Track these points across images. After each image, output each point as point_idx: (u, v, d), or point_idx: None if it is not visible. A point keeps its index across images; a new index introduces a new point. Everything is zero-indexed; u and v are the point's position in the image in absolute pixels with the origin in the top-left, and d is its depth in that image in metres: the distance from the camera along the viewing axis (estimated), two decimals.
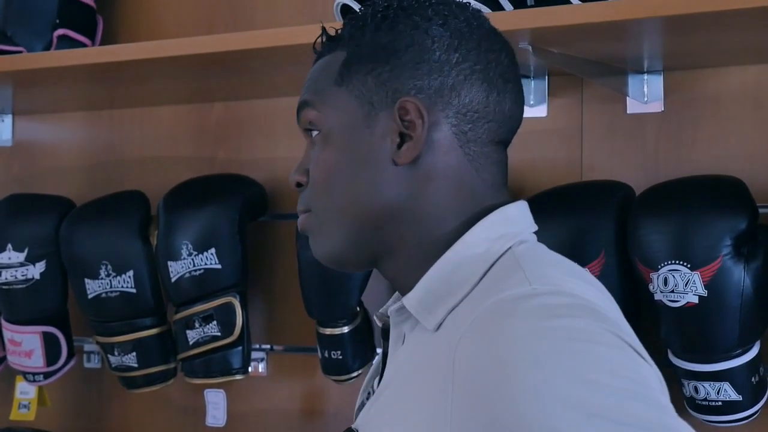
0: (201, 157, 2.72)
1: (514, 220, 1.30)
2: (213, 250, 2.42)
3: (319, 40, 1.38)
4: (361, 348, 2.37)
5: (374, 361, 1.43)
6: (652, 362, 1.19)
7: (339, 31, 1.35)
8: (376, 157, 1.29)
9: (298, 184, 1.36)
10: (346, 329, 2.34)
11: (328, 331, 2.35)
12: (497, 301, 1.18)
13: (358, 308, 2.35)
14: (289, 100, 2.62)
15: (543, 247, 1.32)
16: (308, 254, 2.30)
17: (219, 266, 2.42)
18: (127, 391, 2.60)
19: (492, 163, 1.31)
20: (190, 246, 2.43)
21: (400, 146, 1.28)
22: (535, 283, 1.19)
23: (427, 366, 1.21)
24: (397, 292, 1.37)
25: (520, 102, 1.34)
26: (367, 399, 1.37)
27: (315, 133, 1.34)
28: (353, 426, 1.34)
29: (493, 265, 1.25)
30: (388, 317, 1.35)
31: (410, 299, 1.28)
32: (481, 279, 1.24)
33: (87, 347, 2.79)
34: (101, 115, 2.87)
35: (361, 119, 1.30)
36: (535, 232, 1.34)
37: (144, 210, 2.57)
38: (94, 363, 2.79)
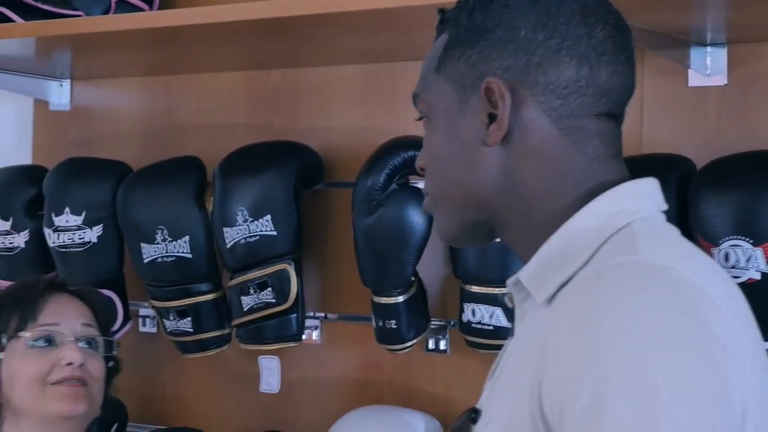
0: (257, 125, 2.72)
1: (636, 196, 1.29)
2: (268, 217, 2.42)
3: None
4: (416, 317, 2.36)
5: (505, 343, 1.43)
6: (744, 352, 1.16)
7: (447, 14, 1.37)
8: (469, 140, 1.31)
9: (422, 169, 1.40)
10: (401, 299, 2.33)
11: (383, 300, 2.34)
12: (598, 268, 1.19)
13: (413, 278, 2.34)
14: (346, 68, 2.61)
15: (670, 227, 1.30)
16: (363, 223, 2.31)
17: (274, 233, 2.42)
18: (181, 355, 2.62)
19: (593, 135, 1.30)
20: (245, 212, 2.43)
21: (489, 127, 1.29)
22: (642, 254, 1.18)
23: (537, 338, 1.21)
24: None
25: (620, 73, 1.31)
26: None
27: (424, 119, 1.38)
28: (477, 405, 1.35)
29: (608, 239, 1.24)
30: None
31: (525, 272, 1.30)
32: (594, 253, 1.23)
33: (142, 312, 2.80)
34: (158, 80, 2.88)
35: (455, 104, 1.32)
36: None
37: (200, 176, 2.57)
38: (149, 327, 2.79)
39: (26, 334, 2.03)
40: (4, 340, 2.03)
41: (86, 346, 2.06)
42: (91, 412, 2.06)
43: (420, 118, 1.39)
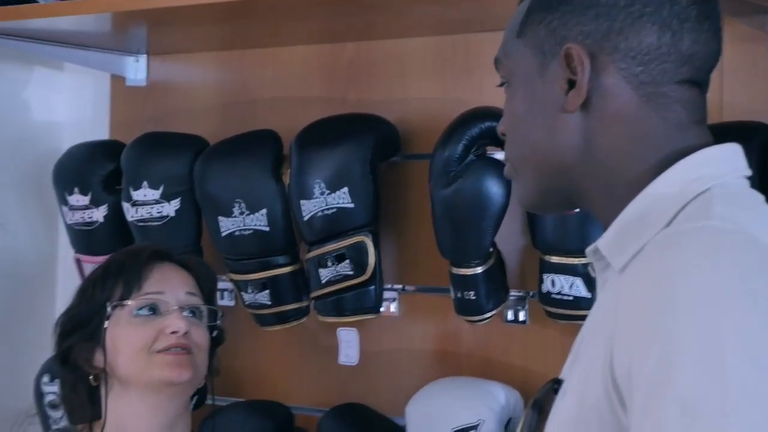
0: (332, 98, 2.72)
1: (717, 161, 1.28)
2: (346, 189, 2.42)
3: None
4: (495, 288, 2.35)
5: None
6: None
7: None
8: (548, 106, 1.31)
9: (503, 134, 1.40)
10: (479, 269, 2.32)
11: (462, 271, 2.33)
12: (670, 233, 1.18)
13: (491, 249, 2.33)
14: (421, 40, 2.60)
15: (753, 193, 1.28)
16: (441, 194, 2.30)
17: (352, 205, 2.42)
18: (260, 328, 2.63)
19: (674, 102, 1.29)
20: (322, 185, 2.44)
21: (568, 94, 1.29)
22: (716, 219, 1.17)
23: (611, 306, 1.20)
24: None
25: (703, 40, 1.29)
26: None
27: (506, 84, 1.38)
28: (560, 377, 1.35)
29: (686, 205, 1.23)
30: None
31: (604, 240, 1.30)
32: (672, 219, 1.22)
33: (220, 285, 2.78)
34: (233, 55, 2.89)
35: (535, 69, 1.32)
36: None
37: (277, 149, 2.58)
38: (227, 300, 2.80)
39: (131, 303, 2.03)
40: (109, 309, 2.03)
41: (190, 315, 2.06)
42: (195, 381, 2.06)
43: (502, 84, 1.39)
